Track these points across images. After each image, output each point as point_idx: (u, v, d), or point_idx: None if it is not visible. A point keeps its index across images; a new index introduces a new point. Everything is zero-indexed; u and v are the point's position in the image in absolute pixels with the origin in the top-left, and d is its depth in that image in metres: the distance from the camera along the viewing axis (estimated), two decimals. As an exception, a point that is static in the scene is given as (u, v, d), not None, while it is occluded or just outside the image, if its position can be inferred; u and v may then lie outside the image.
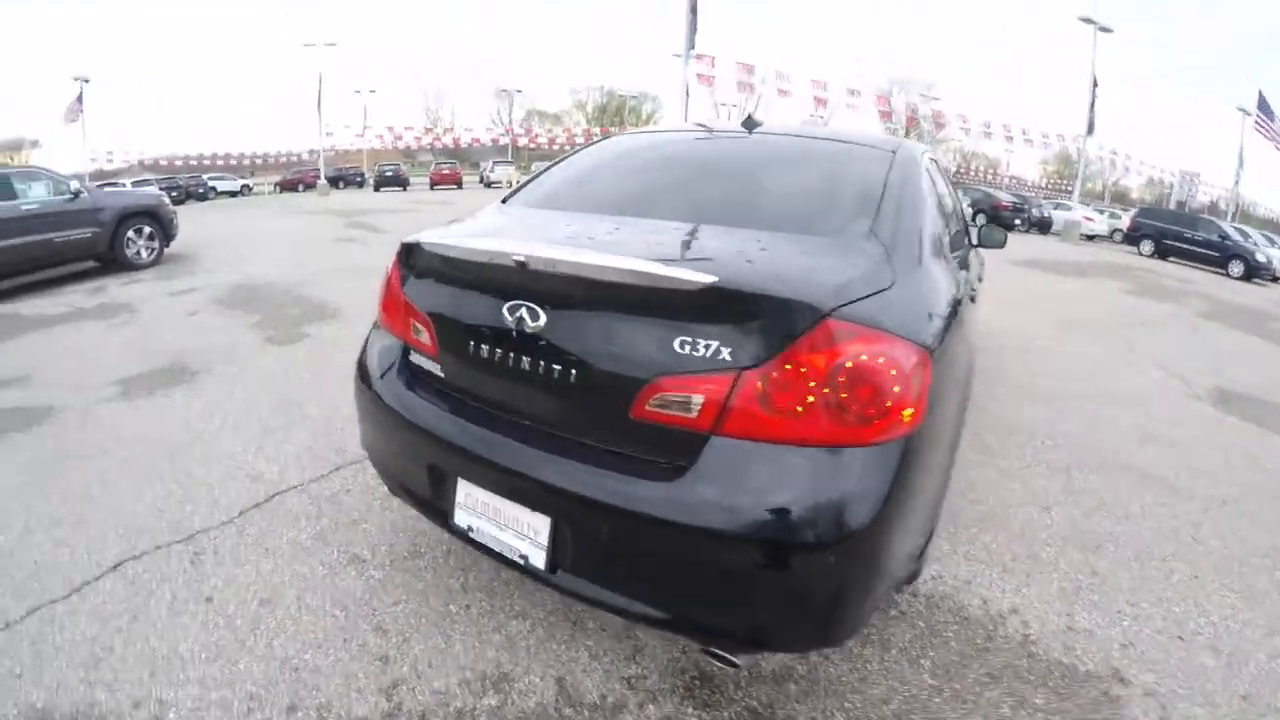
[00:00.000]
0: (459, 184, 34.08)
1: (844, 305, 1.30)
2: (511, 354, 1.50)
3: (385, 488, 2.55)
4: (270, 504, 2.49)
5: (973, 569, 2.25)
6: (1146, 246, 17.03)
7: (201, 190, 31.78)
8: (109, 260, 7.77)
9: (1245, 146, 27.28)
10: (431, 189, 32.40)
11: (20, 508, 2.48)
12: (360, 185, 36.24)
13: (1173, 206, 32.40)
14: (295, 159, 44.68)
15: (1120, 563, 2.33)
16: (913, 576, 1.89)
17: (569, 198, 2.12)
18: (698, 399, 1.30)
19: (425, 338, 1.70)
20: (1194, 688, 1.78)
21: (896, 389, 1.28)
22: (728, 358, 1.28)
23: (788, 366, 1.26)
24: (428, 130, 50.48)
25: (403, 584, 2.08)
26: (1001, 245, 3.31)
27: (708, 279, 1.25)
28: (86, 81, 29.30)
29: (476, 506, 1.58)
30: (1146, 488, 2.93)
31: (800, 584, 1.30)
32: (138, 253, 7.99)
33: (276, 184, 36.93)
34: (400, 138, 46.25)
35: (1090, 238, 21.78)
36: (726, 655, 1.45)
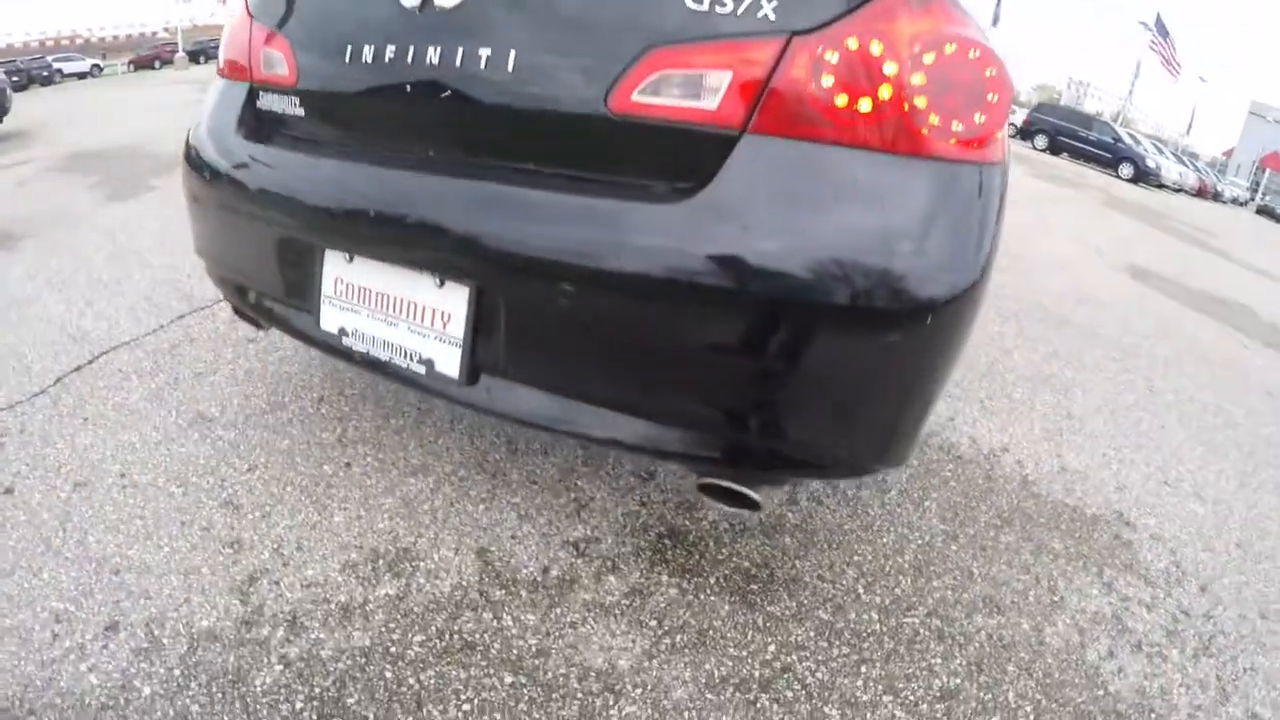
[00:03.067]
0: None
1: None
2: (412, 49, 1.02)
3: (239, 331, 2.04)
4: (94, 366, 1.90)
5: (952, 405, 2.12)
6: (1041, 141, 17.04)
7: (46, 73, 27.50)
8: (-70, 139, 6.42)
9: (1142, 62, 27.31)
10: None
11: None
12: (224, 57, 32.12)
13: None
14: (150, 35, 39.17)
15: (1091, 409, 2.30)
16: None
17: None
18: (722, 77, 0.85)
19: (281, 64, 1.23)
20: (1192, 532, 1.72)
21: (995, 96, 0.88)
22: (771, 15, 0.83)
23: (863, 37, 0.83)
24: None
25: (261, 443, 1.59)
26: None
27: None
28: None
29: (353, 297, 1.13)
30: (1095, 343, 2.94)
31: (880, 364, 0.90)
32: (-38, 130, 6.61)
33: (129, 62, 32.38)
34: (265, 4, 40.57)
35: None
36: (743, 491, 1.00)
